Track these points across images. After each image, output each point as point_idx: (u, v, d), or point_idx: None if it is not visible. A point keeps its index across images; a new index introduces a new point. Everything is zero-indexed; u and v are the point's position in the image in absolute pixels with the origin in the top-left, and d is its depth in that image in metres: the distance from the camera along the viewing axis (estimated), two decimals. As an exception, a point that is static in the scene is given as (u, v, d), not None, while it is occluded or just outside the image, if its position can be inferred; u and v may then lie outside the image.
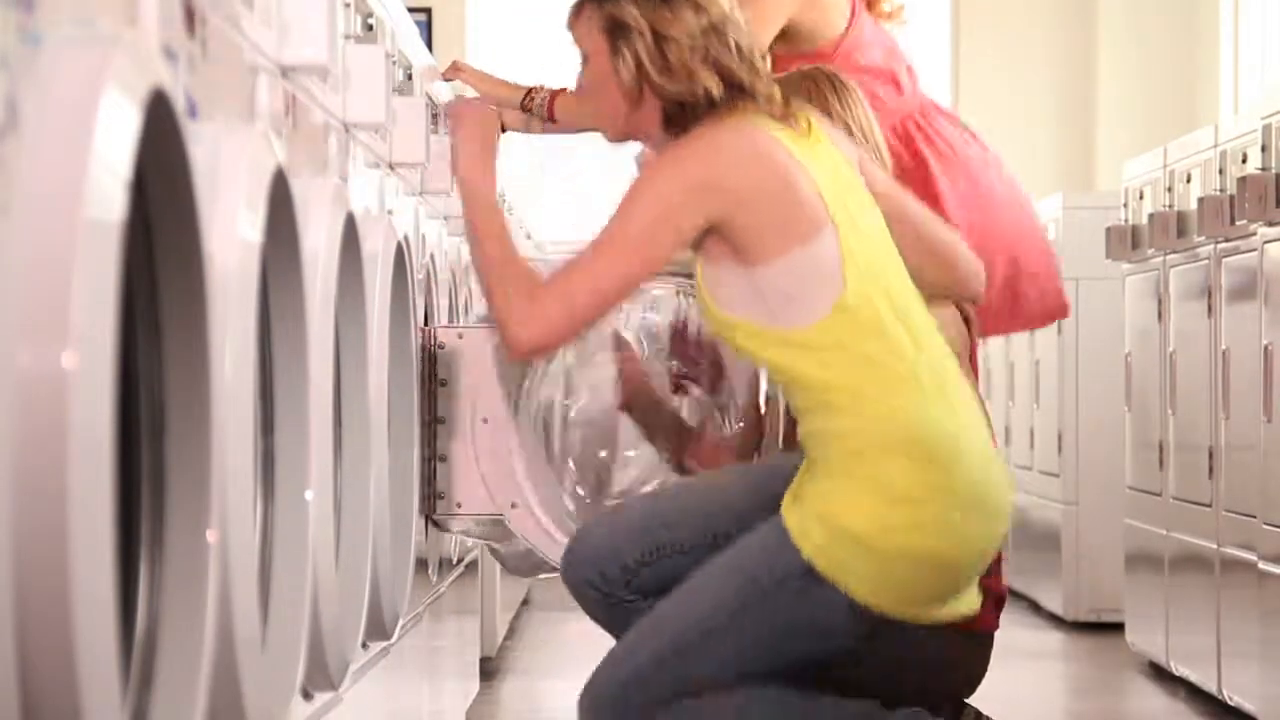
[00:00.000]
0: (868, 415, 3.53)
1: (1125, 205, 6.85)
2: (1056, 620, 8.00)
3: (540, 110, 4.37)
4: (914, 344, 3.59)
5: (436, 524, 4.22)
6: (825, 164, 3.67)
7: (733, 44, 3.67)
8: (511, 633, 7.50)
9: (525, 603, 8.40)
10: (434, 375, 4.13)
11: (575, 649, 7.37)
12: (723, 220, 3.57)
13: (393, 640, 3.34)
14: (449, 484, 4.15)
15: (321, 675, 2.60)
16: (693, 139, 3.65)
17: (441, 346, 4.14)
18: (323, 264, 2.57)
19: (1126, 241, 6.70)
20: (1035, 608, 8.34)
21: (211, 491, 1.86)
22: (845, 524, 3.51)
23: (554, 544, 4.18)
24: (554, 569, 4.22)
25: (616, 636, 3.77)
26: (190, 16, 2.05)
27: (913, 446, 3.51)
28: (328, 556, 2.55)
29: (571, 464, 4.33)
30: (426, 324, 4.15)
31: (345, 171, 3.07)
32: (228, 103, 2.27)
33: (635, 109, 3.72)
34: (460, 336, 4.18)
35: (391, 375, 3.27)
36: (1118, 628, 7.23)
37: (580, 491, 4.30)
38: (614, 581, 3.80)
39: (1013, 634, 7.76)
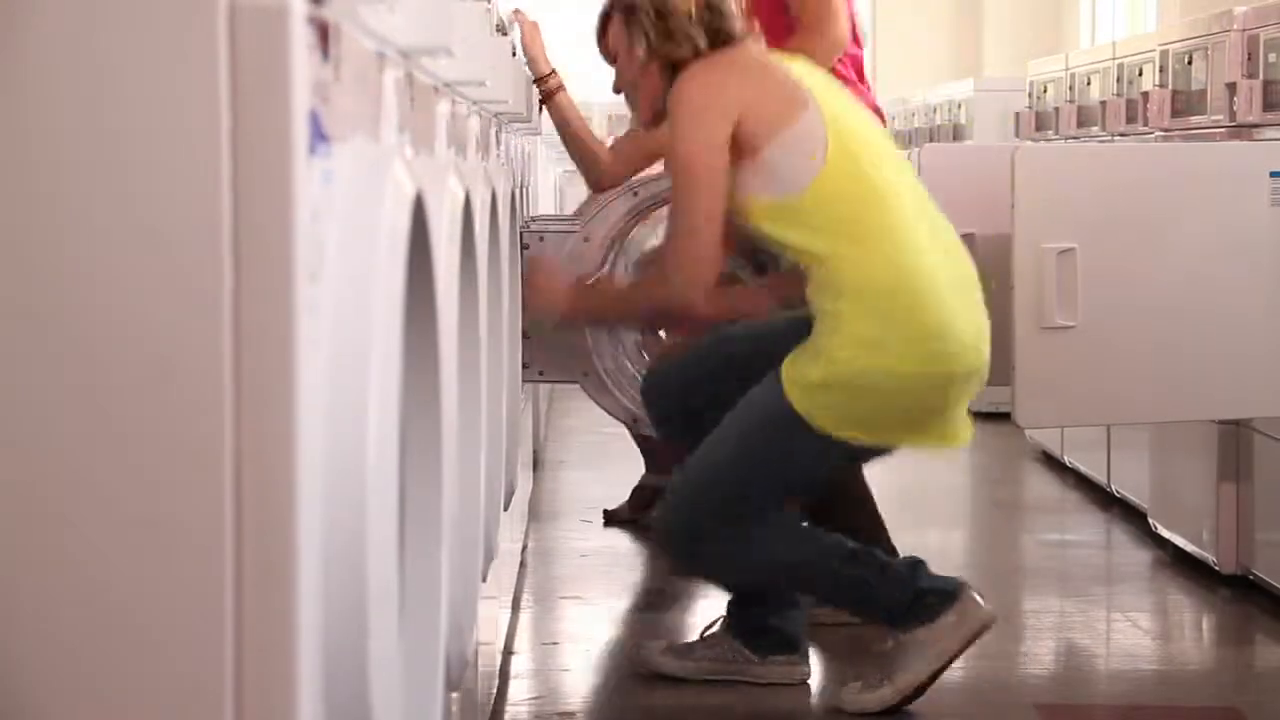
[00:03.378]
0: (849, 272, 3.36)
1: (1030, 95, 6.72)
2: (962, 410, 7.91)
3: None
4: (898, 200, 3.43)
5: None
6: (796, 61, 3.58)
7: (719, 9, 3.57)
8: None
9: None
10: (521, 269, 3.99)
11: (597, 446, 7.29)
12: (737, 119, 3.42)
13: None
14: (532, 356, 4.03)
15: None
16: (685, 78, 3.51)
17: (526, 246, 4.00)
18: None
19: (1031, 125, 6.57)
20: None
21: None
22: (826, 370, 3.38)
23: (619, 405, 4.07)
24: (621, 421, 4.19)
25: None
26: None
27: (885, 297, 3.36)
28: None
29: (634, 339, 4.23)
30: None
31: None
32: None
33: (661, 82, 3.56)
34: (542, 239, 4.03)
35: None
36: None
37: (645, 356, 4.20)
38: (674, 418, 3.71)
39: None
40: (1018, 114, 6.76)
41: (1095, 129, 5.75)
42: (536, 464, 6.44)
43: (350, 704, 1.33)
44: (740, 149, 3.43)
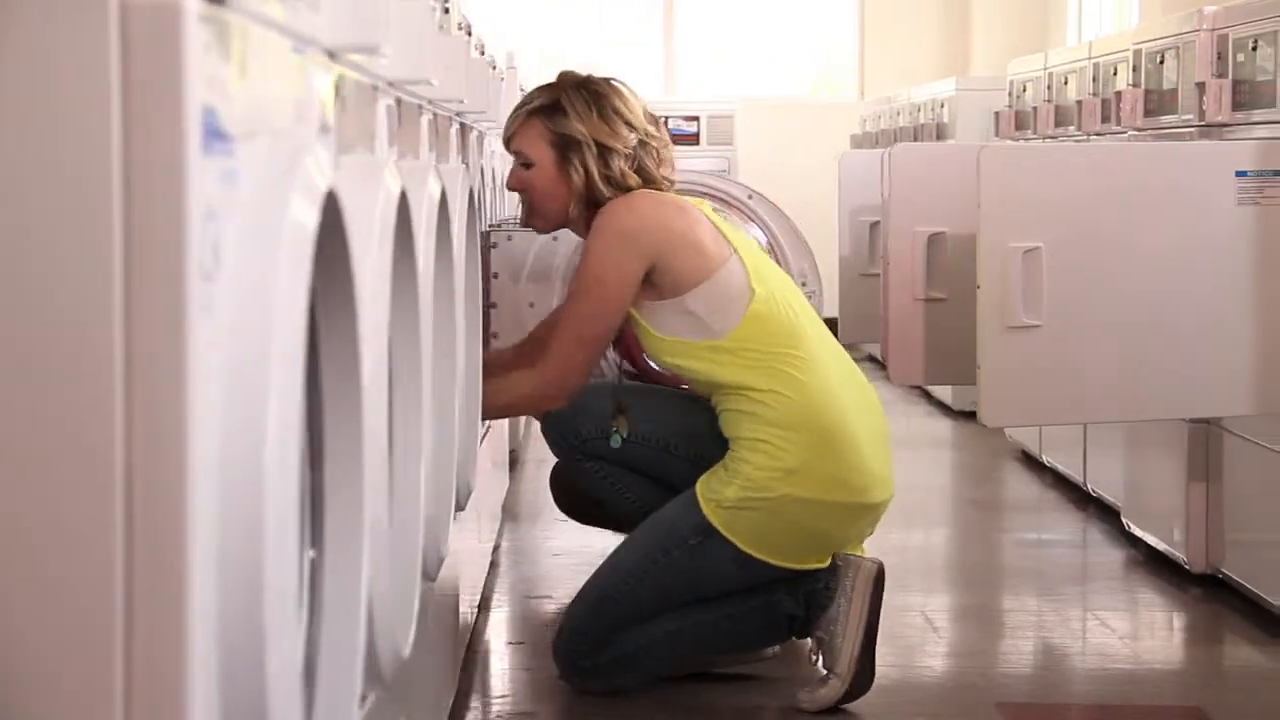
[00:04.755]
0: (773, 405, 3.45)
1: (1010, 94, 6.70)
2: (945, 409, 7.91)
3: None
4: (815, 341, 3.52)
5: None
6: (708, 211, 3.64)
7: (655, 153, 3.63)
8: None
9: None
10: (488, 269, 3.97)
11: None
12: (654, 260, 3.49)
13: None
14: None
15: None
16: (617, 204, 3.55)
17: (494, 246, 3.99)
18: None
19: (1011, 124, 6.56)
20: (928, 398, 8.26)
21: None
22: (743, 492, 3.45)
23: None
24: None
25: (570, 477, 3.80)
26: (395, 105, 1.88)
27: (807, 430, 3.44)
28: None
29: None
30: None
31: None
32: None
33: (580, 210, 3.62)
34: (510, 239, 4.02)
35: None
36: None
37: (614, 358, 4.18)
38: (570, 445, 3.72)
39: (914, 423, 7.72)
40: (998, 113, 6.75)
41: (1072, 128, 5.74)
42: (516, 463, 6.43)
43: (247, 704, 1.32)
44: (657, 290, 3.51)
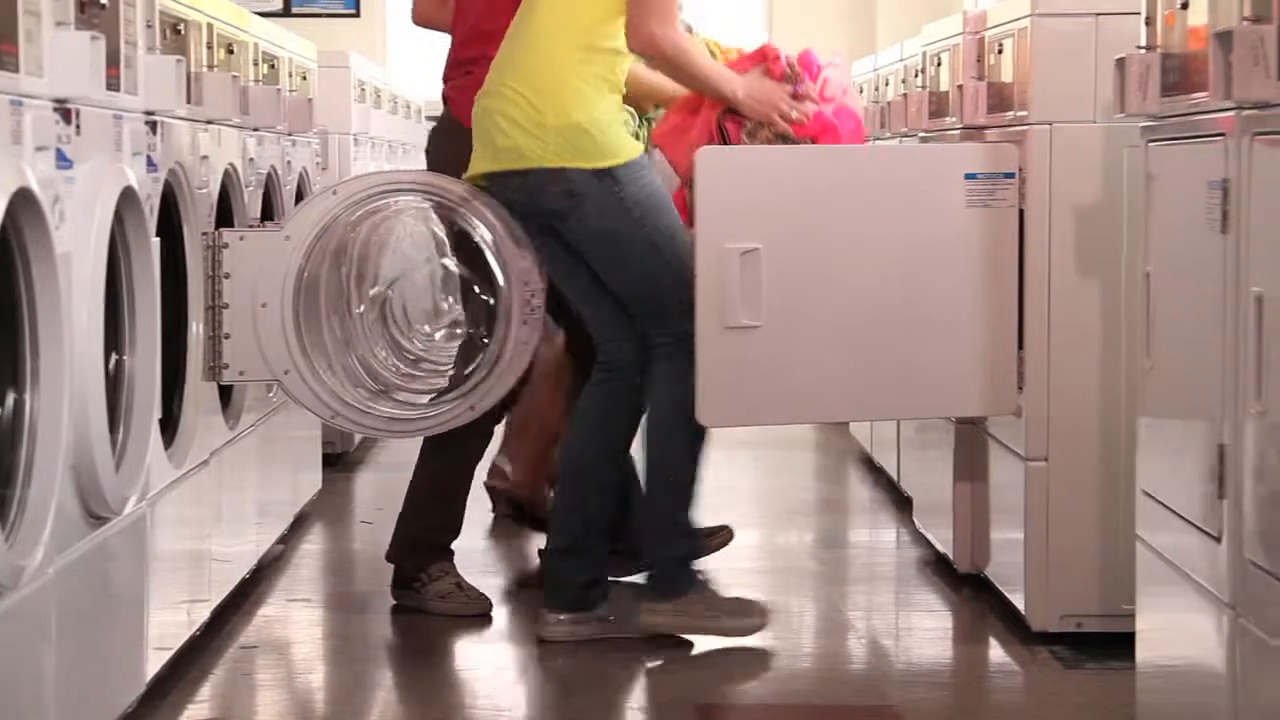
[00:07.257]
0: None
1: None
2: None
3: None
4: None
5: (224, 386, 4.08)
6: None
7: None
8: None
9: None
10: (218, 269, 3.96)
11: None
12: None
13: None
14: (234, 356, 4.00)
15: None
16: None
17: (225, 245, 3.98)
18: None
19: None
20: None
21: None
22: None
23: (320, 403, 4.04)
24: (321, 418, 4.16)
25: None
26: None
27: None
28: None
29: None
30: (217, 228, 3.99)
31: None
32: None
33: None
34: (242, 239, 4.01)
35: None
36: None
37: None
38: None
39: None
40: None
41: (887, 131, 5.73)
42: (351, 465, 6.42)
43: None
44: None
